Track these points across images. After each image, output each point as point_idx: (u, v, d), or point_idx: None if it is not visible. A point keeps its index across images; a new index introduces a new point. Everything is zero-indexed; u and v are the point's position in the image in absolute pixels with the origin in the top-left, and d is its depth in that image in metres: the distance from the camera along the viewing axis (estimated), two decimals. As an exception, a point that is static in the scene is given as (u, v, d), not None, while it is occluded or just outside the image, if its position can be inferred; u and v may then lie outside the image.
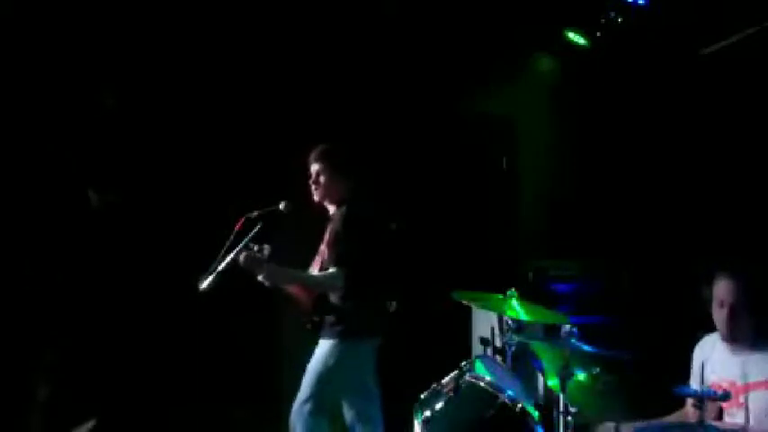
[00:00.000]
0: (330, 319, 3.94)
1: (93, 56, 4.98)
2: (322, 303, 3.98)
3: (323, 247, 4.07)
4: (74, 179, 4.52)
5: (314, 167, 4.07)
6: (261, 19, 5.37)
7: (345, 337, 3.89)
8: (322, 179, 4.05)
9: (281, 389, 4.04)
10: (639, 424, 3.12)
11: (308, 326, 3.96)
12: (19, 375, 4.38)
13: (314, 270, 4.09)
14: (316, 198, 4.11)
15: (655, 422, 3.22)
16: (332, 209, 4.09)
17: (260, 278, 3.84)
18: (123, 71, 5.08)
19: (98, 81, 4.92)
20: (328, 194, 4.07)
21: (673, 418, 3.30)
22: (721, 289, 3.16)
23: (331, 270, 3.87)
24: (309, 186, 4.11)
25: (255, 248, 3.82)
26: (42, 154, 4.68)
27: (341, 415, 4.03)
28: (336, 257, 3.88)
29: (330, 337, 3.92)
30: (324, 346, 3.93)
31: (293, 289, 4.06)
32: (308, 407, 3.86)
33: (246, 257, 3.80)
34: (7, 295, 4.43)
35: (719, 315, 3.17)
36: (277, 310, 4.97)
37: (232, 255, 3.78)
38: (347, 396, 4.01)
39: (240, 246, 3.81)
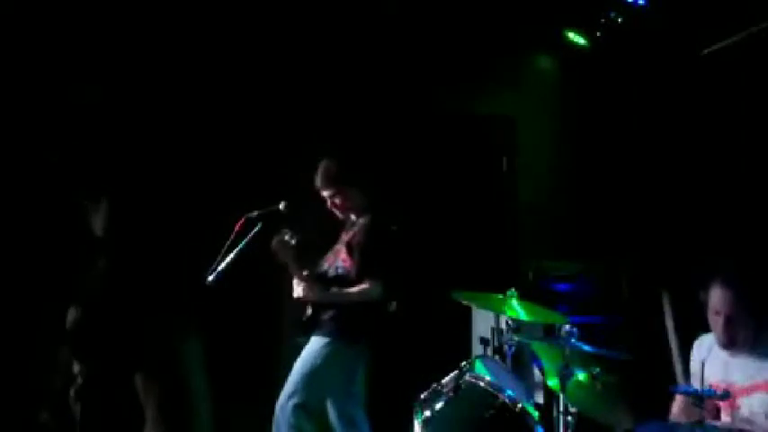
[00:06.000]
0: (326, 315, 3.93)
1: (91, 56, 4.98)
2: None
3: (339, 247, 4.05)
4: (71, 181, 4.49)
5: (325, 193, 4.05)
6: (260, 19, 5.37)
7: (338, 337, 3.87)
8: (338, 200, 4.04)
9: (278, 389, 4.04)
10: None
11: (303, 319, 3.98)
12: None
13: (325, 265, 4.08)
14: (340, 217, 4.11)
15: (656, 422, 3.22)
16: (353, 216, 4.09)
17: (288, 263, 3.89)
18: (123, 71, 5.08)
19: (93, 80, 4.91)
20: (351, 209, 4.07)
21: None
22: (716, 298, 3.12)
23: (365, 285, 3.86)
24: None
25: (287, 236, 3.87)
26: (42, 159, 4.66)
27: (324, 414, 4.00)
28: (370, 271, 3.86)
29: (323, 334, 3.90)
30: (315, 343, 3.90)
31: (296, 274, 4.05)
32: (292, 402, 3.84)
33: (278, 242, 3.88)
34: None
35: (716, 323, 3.15)
36: (277, 309, 4.97)
37: (233, 253, 3.81)
38: (331, 396, 3.96)
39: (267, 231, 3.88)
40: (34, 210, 4.56)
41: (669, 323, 3.18)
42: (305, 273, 3.94)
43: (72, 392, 3.76)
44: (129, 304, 3.58)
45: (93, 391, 3.67)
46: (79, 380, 3.76)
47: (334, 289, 3.95)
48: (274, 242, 3.90)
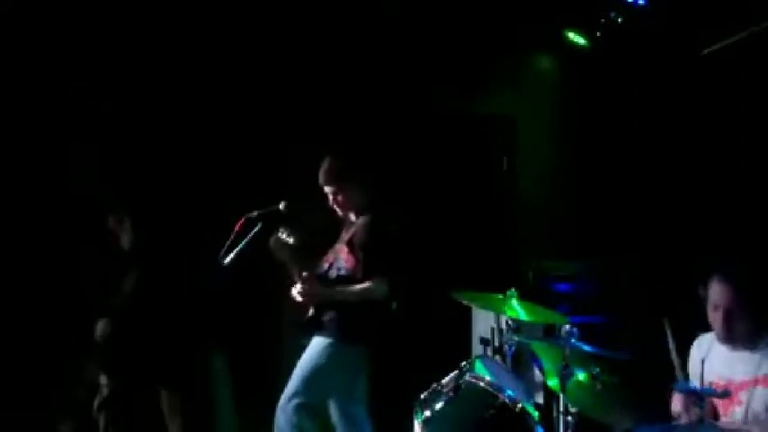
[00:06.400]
0: (327, 316, 3.92)
1: (92, 57, 4.98)
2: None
3: (340, 246, 4.04)
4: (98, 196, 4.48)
5: (327, 190, 4.04)
6: (261, 20, 5.37)
7: (340, 337, 3.86)
8: (340, 198, 4.02)
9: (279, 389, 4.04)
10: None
11: (305, 320, 3.98)
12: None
13: (325, 266, 4.08)
14: (340, 214, 4.10)
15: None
16: (353, 216, 4.08)
17: (287, 262, 3.89)
18: (124, 72, 5.09)
19: (97, 82, 4.92)
20: (351, 207, 4.06)
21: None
22: (715, 292, 3.15)
23: (369, 284, 3.85)
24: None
25: (284, 235, 3.86)
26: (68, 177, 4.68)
27: (326, 415, 4.00)
28: (374, 270, 3.85)
29: (326, 335, 3.89)
30: (317, 344, 3.90)
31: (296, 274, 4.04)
32: (294, 402, 3.83)
33: (276, 241, 3.86)
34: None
35: (715, 318, 3.17)
36: (277, 309, 4.97)
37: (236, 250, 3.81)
38: (333, 397, 3.97)
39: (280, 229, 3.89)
40: (63, 226, 4.56)
41: (674, 355, 3.20)
42: (304, 273, 3.93)
43: (96, 404, 3.75)
44: (156, 318, 3.58)
45: (118, 403, 3.68)
46: (104, 392, 3.76)
47: (337, 289, 3.95)
48: (272, 241, 3.89)
